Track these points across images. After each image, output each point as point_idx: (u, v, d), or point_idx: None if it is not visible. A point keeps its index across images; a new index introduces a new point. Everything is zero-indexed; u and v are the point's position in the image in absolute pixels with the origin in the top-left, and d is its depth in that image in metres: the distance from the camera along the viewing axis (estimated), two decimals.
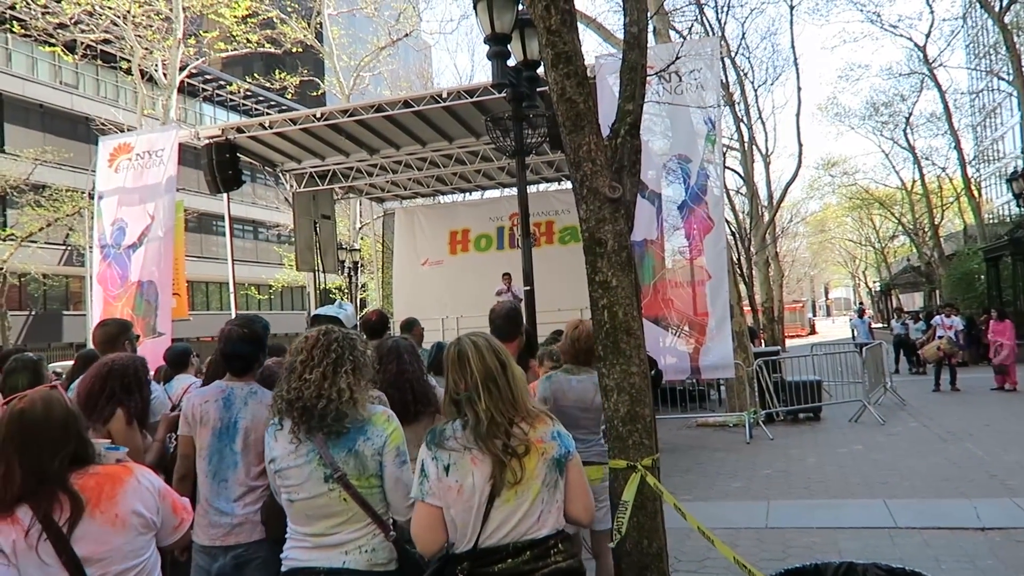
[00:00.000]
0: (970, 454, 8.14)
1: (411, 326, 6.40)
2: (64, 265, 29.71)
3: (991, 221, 37.53)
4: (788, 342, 30.10)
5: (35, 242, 26.01)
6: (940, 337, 14.71)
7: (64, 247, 29.05)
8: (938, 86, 28.07)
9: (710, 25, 20.69)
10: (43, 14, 19.66)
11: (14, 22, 22.38)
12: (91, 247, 12.52)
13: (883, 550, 5.02)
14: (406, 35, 26.60)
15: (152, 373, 5.53)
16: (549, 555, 2.16)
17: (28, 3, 19.66)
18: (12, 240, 25.48)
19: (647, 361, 3.22)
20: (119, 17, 19.36)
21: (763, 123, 27.40)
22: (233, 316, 12.29)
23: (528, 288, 7.18)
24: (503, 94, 8.01)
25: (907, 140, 32.61)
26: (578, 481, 2.30)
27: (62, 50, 21.68)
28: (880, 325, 36.57)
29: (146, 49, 20.31)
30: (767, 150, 26.69)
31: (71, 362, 5.05)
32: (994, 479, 6.95)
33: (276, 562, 2.47)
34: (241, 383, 3.07)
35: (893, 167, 37.13)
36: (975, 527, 5.45)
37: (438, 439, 2.23)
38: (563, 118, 3.25)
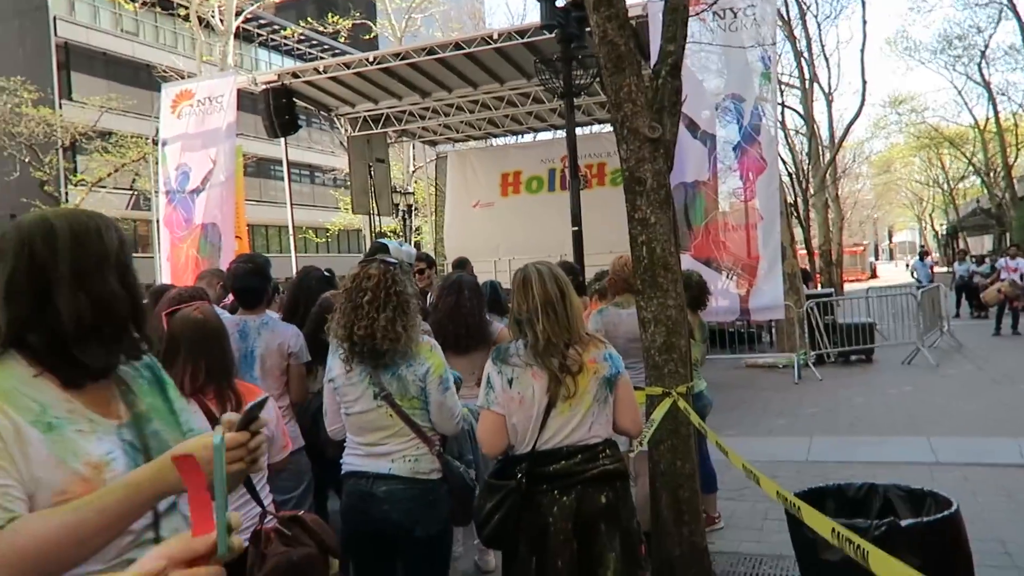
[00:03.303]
0: (1023, 396, 8.07)
1: (463, 265, 6.62)
2: (131, 209, 30.81)
3: None
4: (848, 286, 29.50)
5: (104, 187, 27.01)
6: (1003, 279, 14.32)
7: (131, 192, 30.08)
8: (1017, 16, 26.48)
9: None
10: None
11: None
12: (156, 192, 13.06)
13: (921, 483, 5.08)
14: None
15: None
16: (598, 458, 2.46)
17: None
18: (83, 185, 26.54)
19: (683, 295, 3.37)
20: None
21: (826, 59, 26.38)
22: (294, 259, 12.64)
23: (576, 229, 7.31)
24: (553, 35, 8.02)
25: (981, 75, 31.01)
26: (626, 397, 2.57)
27: None
28: (945, 268, 35.52)
29: None
30: (830, 87, 25.73)
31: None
32: None
33: (305, 472, 2.84)
34: (253, 315, 3.39)
35: (966, 104, 35.62)
36: (1016, 464, 5.50)
37: (503, 356, 2.53)
38: (604, 60, 3.36)
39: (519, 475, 2.39)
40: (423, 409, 2.65)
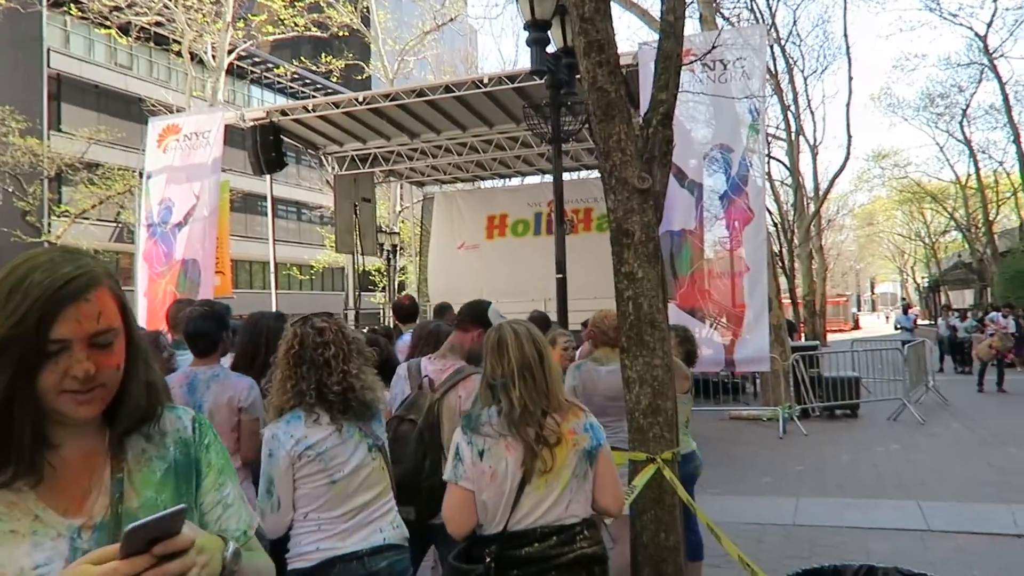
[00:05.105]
0: (1013, 459, 7.92)
1: (444, 311, 6.45)
2: (115, 242, 30.51)
3: None
4: (830, 337, 29.52)
5: (87, 219, 26.76)
6: (991, 335, 14.35)
7: (115, 224, 29.83)
8: (998, 77, 27.12)
9: (760, 12, 20.24)
10: None
11: (71, 5, 22.96)
12: (139, 225, 12.88)
13: (913, 553, 4.93)
14: (451, 20, 26.57)
15: None
16: (575, 541, 2.23)
17: None
18: (66, 216, 26.28)
19: (671, 353, 3.20)
20: (171, 0, 19.71)
21: (812, 112, 26.78)
22: (274, 296, 12.40)
23: (560, 276, 7.17)
24: (543, 80, 7.98)
25: (963, 133, 31.62)
26: (608, 472, 2.35)
27: (117, 32, 22.14)
28: (927, 322, 35.69)
29: (196, 32, 20.64)
30: (815, 140, 26.08)
31: None
32: None
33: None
34: (204, 367, 3.19)
35: (947, 160, 36.15)
36: (1013, 533, 5.32)
37: (474, 424, 2.28)
38: (594, 107, 3.24)
39: (487, 559, 2.16)
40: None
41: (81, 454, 1.09)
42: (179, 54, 22.69)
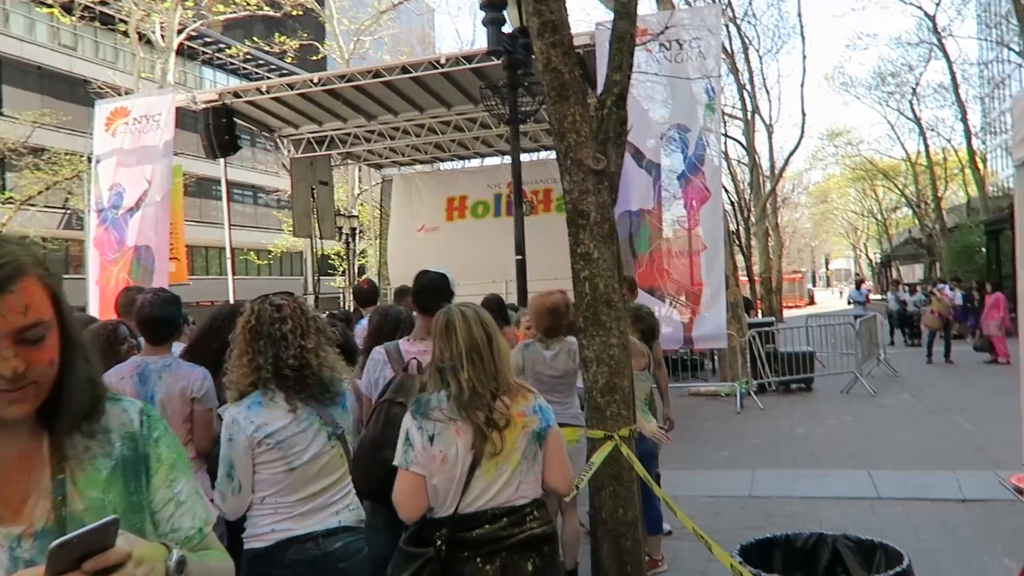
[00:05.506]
0: (959, 427, 8.22)
1: (403, 294, 6.44)
2: (63, 229, 29.64)
3: (995, 194, 37.26)
4: (786, 312, 30.15)
5: (34, 206, 25.92)
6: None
7: (63, 211, 28.96)
8: (946, 56, 27.74)
9: None
10: None
11: None
12: (89, 211, 12.51)
13: (863, 520, 5.10)
14: None
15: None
16: (525, 522, 2.26)
17: None
18: (11, 204, 25.42)
19: (627, 333, 3.25)
20: None
21: (767, 92, 27.06)
22: (231, 281, 12.16)
23: (520, 258, 7.20)
24: (500, 61, 7.95)
25: (913, 111, 32.36)
26: (557, 453, 2.37)
27: (59, 11, 21.38)
28: (879, 296, 36.67)
29: (144, 11, 20.02)
30: (770, 119, 26.44)
31: None
32: (980, 452, 7.03)
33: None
34: (156, 356, 3.12)
35: (898, 138, 36.95)
36: (956, 499, 5.53)
37: (423, 409, 2.27)
38: (548, 88, 3.25)
39: (438, 541, 2.18)
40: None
41: (17, 455, 1.03)
42: (126, 34, 21.97)
